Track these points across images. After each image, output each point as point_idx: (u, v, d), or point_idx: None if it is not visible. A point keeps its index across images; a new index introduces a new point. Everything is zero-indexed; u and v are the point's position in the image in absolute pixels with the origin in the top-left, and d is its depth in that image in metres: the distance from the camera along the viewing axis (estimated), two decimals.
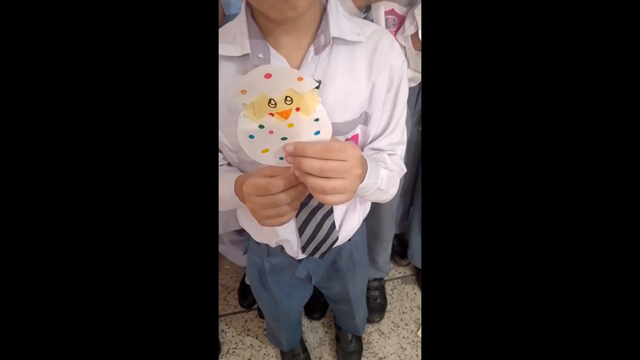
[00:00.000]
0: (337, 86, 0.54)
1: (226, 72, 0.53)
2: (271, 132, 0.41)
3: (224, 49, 0.52)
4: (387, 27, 0.69)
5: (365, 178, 0.53)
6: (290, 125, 0.40)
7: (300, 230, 0.65)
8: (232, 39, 0.53)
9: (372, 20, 0.68)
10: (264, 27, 0.52)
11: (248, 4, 0.52)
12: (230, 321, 1.26)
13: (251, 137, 0.41)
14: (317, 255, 0.70)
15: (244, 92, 0.38)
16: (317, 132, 0.42)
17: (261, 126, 0.40)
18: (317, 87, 0.39)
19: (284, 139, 0.42)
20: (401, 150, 0.65)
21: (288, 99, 0.38)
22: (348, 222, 0.70)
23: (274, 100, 0.38)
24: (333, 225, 0.67)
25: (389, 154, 0.63)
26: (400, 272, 1.38)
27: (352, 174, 0.44)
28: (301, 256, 0.70)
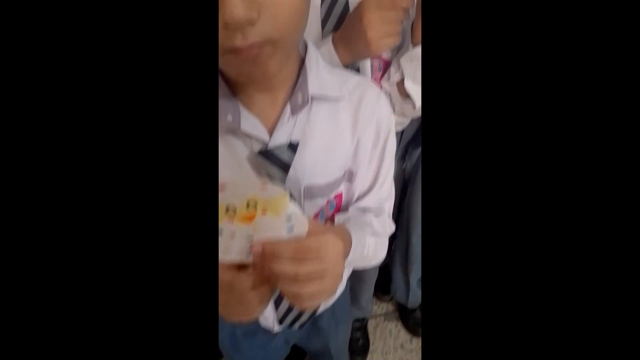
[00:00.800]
0: (318, 145, 0.48)
1: None
2: (232, 236, 0.33)
3: None
4: (372, 72, 0.63)
5: (350, 252, 0.47)
6: (256, 226, 0.33)
7: (277, 302, 0.58)
8: None
9: (358, 66, 0.61)
10: (233, 83, 0.44)
11: None
12: None
13: None
14: (296, 327, 0.63)
15: None
16: (291, 229, 0.34)
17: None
18: (287, 193, 0.31)
19: (249, 236, 0.34)
20: (389, 205, 0.59)
21: (251, 203, 0.31)
22: None
23: (232, 207, 0.31)
24: None
25: (376, 215, 0.56)
26: (382, 309, 1.32)
27: (332, 274, 0.36)
28: (278, 329, 0.63)
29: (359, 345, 1.18)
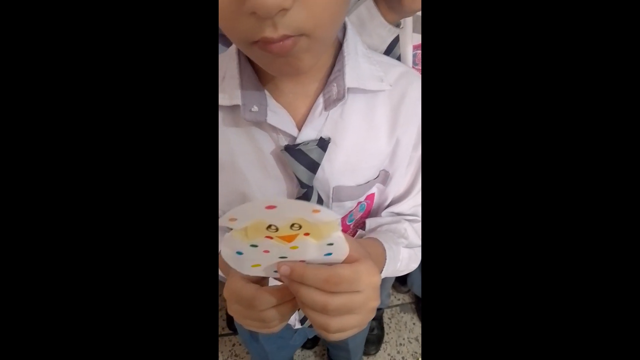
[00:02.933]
0: (350, 144, 0.43)
1: None
2: (267, 251, 0.31)
3: None
4: (415, 63, 0.58)
5: (384, 269, 0.44)
6: (294, 247, 0.30)
7: None
8: (221, 80, 0.41)
9: (400, 55, 0.56)
10: (260, 70, 0.40)
11: None
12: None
13: (239, 253, 0.31)
14: None
15: (232, 220, 0.28)
16: (329, 254, 0.31)
17: (254, 245, 0.30)
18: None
19: (282, 257, 0.32)
20: None
21: (295, 225, 0.28)
22: None
23: (275, 226, 0.28)
24: None
25: (411, 221, 0.53)
26: (399, 299, 1.31)
27: (365, 309, 0.33)
28: (299, 327, 0.62)
29: (374, 334, 1.18)
